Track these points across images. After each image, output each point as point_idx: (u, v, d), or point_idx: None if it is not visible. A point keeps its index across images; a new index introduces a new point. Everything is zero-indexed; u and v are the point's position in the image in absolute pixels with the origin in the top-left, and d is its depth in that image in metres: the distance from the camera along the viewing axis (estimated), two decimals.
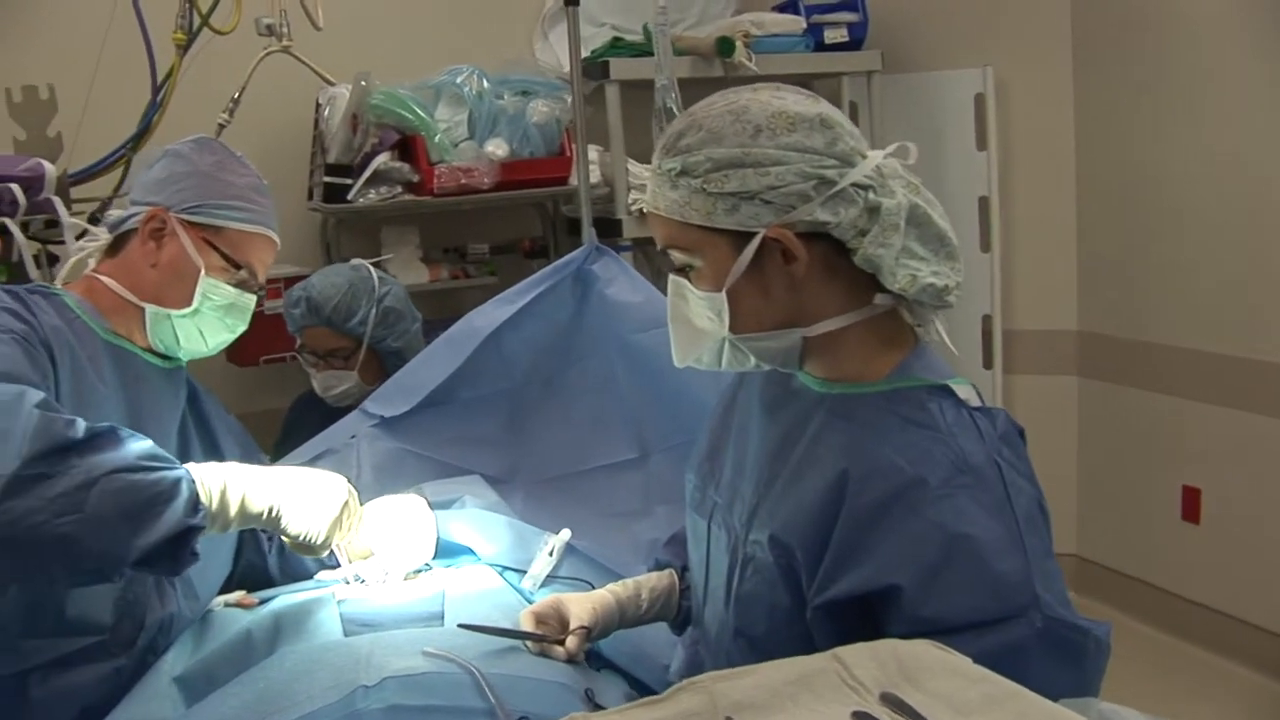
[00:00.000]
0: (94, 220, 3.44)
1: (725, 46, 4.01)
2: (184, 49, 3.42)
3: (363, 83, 3.62)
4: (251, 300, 2.04)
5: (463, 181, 3.69)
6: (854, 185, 1.43)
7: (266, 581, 2.14)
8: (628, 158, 3.98)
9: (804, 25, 4.29)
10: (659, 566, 1.92)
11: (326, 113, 3.79)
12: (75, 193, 3.31)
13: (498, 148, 3.75)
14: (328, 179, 3.67)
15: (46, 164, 3.17)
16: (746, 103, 1.46)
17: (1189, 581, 4.11)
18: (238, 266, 1.99)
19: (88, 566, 1.55)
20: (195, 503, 1.60)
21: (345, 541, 1.88)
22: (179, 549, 1.58)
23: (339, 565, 2.05)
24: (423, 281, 3.95)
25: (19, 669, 1.70)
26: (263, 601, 2.00)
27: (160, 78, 3.45)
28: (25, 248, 3.06)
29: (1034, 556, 1.35)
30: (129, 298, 1.95)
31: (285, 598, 1.97)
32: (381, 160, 3.67)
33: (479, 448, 2.45)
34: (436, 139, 3.70)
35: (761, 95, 1.48)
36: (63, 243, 3.21)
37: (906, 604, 1.32)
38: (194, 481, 1.62)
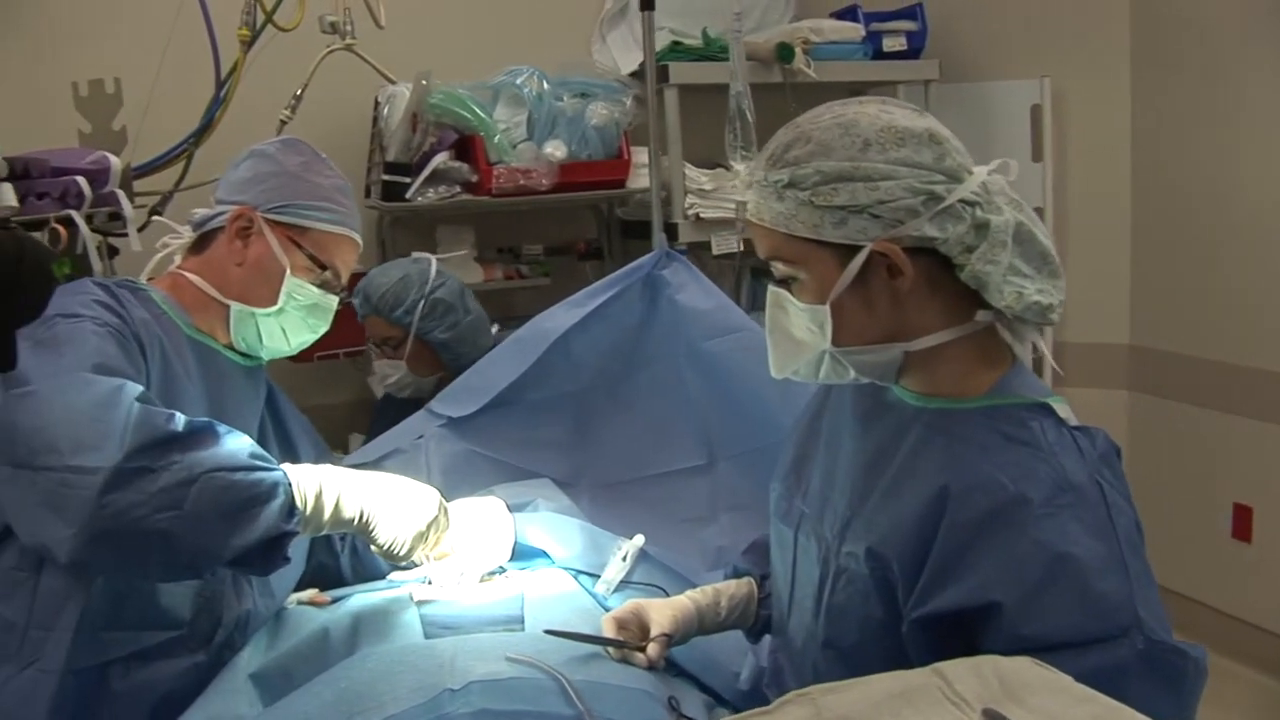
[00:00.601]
0: (155, 213, 3.46)
1: (785, 53, 4.00)
2: (248, 45, 3.44)
3: (423, 82, 3.63)
4: (334, 301, 2.04)
5: (521, 182, 3.69)
6: (961, 201, 1.43)
7: (337, 581, 2.15)
8: (685, 162, 3.98)
9: (863, 33, 4.28)
10: (737, 574, 1.92)
11: (386, 111, 3.79)
12: (137, 186, 3.32)
13: (556, 149, 3.74)
14: (386, 177, 3.68)
15: (112, 157, 3.19)
16: (855, 116, 1.46)
17: (1240, 600, 4.07)
18: (323, 267, 2.00)
19: (183, 563, 1.58)
20: (291, 506, 1.63)
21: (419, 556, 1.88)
22: (273, 551, 1.61)
23: (413, 566, 2.05)
24: (477, 281, 3.94)
25: (101, 660, 1.71)
26: (335, 600, 2.01)
27: (224, 73, 3.46)
28: (90, 240, 3.07)
29: (1135, 577, 1.34)
30: (214, 295, 1.96)
31: (361, 597, 1.97)
32: (440, 160, 3.67)
33: (545, 450, 2.45)
34: (496, 139, 3.70)
35: (869, 108, 1.48)
36: (124, 235, 3.23)
37: (1007, 621, 1.32)
38: (290, 484, 1.64)
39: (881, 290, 1.46)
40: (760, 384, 2.30)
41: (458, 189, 3.73)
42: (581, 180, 3.85)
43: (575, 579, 2.06)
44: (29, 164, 3.03)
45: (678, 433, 2.46)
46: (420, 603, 1.90)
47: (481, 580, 2.00)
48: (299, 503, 1.67)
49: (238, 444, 1.64)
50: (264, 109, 3.51)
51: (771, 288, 1.56)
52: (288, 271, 1.96)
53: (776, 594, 1.78)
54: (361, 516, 1.77)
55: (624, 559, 2.04)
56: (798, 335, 1.54)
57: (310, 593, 2.04)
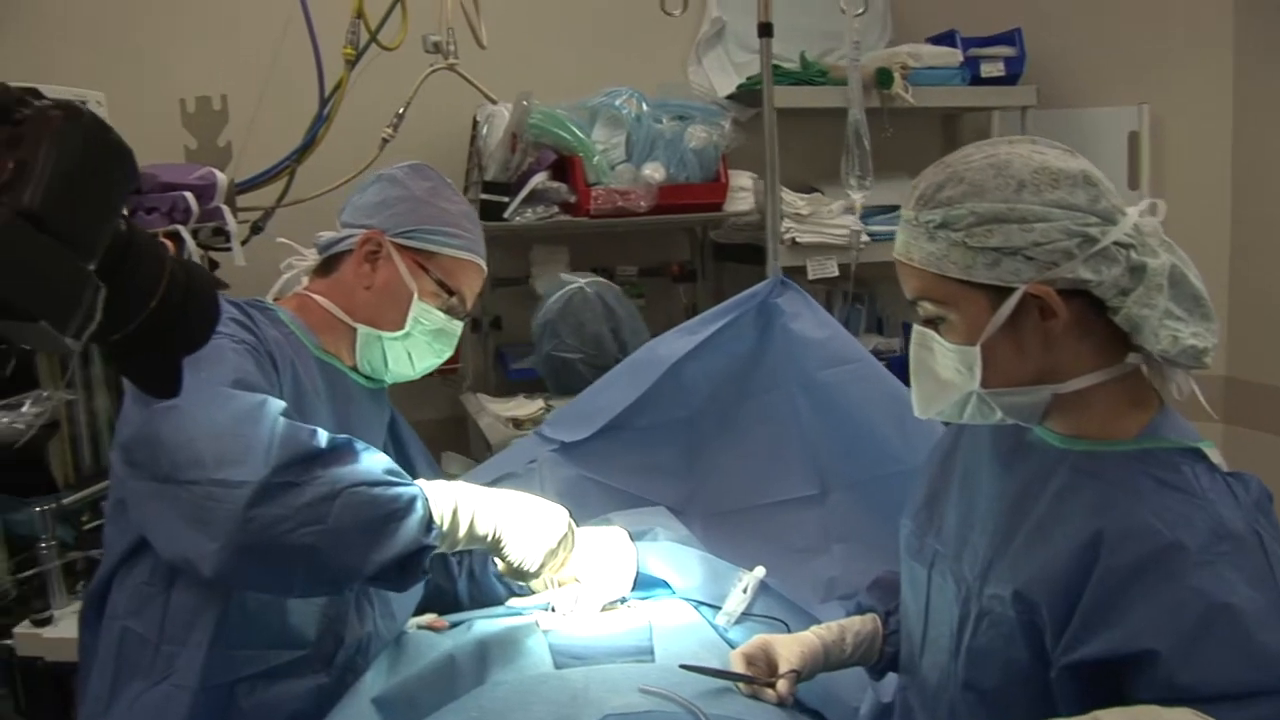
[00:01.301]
0: (256, 229, 3.51)
1: (884, 78, 3.99)
2: (352, 64, 3.47)
3: (524, 102, 3.64)
4: (459, 327, 2.06)
5: (619, 204, 3.70)
6: (1115, 243, 1.42)
7: (454, 605, 2.15)
8: (781, 186, 3.97)
9: (961, 58, 4.26)
10: (861, 610, 1.91)
11: (485, 130, 3.81)
12: (239, 201, 3.37)
13: (655, 171, 3.74)
14: (485, 196, 3.69)
15: (219, 173, 3.24)
16: (1007, 156, 1.45)
17: None
18: (450, 292, 2.01)
19: (326, 578, 1.61)
20: (429, 521, 1.65)
21: (545, 577, 1.89)
22: (411, 566, 1.63)
23: (531, 593, 2.06)
24: None
25: (231, 678, 1.73)
26: (454, 625, 2.02)
27: (328, 91, 3.50)
28: (196, 256, 3.12)
29: None
30: (342, 317, 1.98)
31: (484, 624, 1.97)
32: (539, 180, 3.68)
33: (656, 477, 2.45)
34: (594, 160, 3.71)
35: (1020, 149, 1.47)
36: (228, 249, 3.27)
37: (1162, 670, 1.30)
38: (427, 500, 1.66)
39: (1033, 332, 1.45)
40: (875, 415, 2.31)
41: (555, 209, 3.74)
42: (679, 203, 3.84)
43: (696, 610, 2.05)
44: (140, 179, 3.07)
45: (789, 462, 2.45)
46: (547, 631, 1.90)
47: (604, 609, 2.00)
48: (437, 518, 1.69)
49: (376, 460, 1.67)
50: (364, 127, 3.54)
51: (917, 327, 1.56)
52: (415, 296, 1.98)
53: (907, 632, 1.77)
54: (494, 533, 1.79)
55: (744, 591, 2.03)
56: (944, 375, 1.53)
57: (429, 617, 2.05)
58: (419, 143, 3.67)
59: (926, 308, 1.53)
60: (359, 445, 1.68)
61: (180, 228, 3.09)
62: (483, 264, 2.08)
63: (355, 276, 2.00)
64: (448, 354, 2.09)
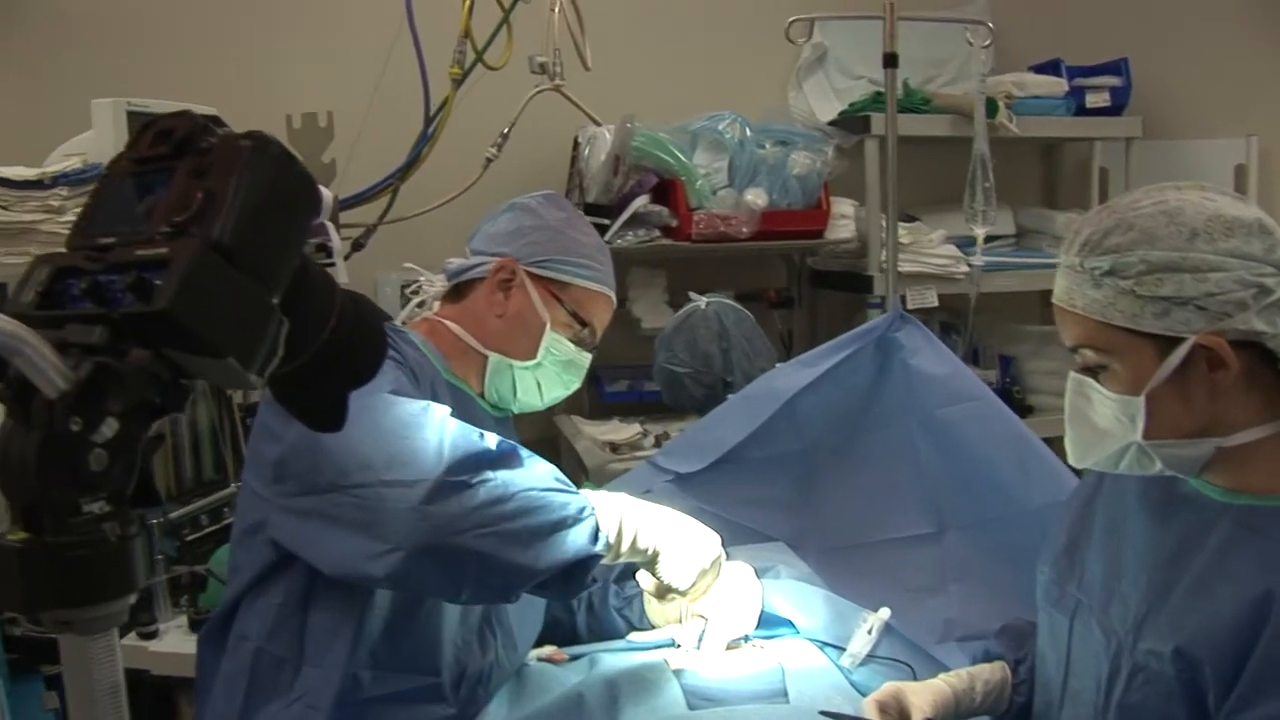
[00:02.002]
0: (358, 246, 3.51)
1: (989, 108, 3.92)
2: (458, 83, 3.47)
3: (627, 125, 3.62)
4: (588, 359, 2.05)
5: (721, 229, 3.66)
6: None
7: (571, 638, 2.13)
8: (882, 214, 3.92)
9: (1066, 88, 4.19)
10: (989, 657, 1.86)
11: (586, 152, 3.80)
12: (341, 218, 3.37)
13: (758, 197, 3.71)
14: (587, 218, 3.67)
15: (325, 190, 3.23)
16: (1179, 203, 1.41)
17: None
18: (583, 324, 1.99)
19: (495, 583, 1.59)
20: (597, 531, 1.63)
21: (688, 600, 1.86)
22: (578, 575, 1.62)
23: (652, 627, 2.03)
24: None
25: (361, 698, 1.71)
26: (574, 658, 1.99)
27: (433, 109, 3.50)
28: None
29: None
30: (473, 345, 1.97)
31: (611, 660, 1.94)
32: (640, 203, 3.66)
33: (770, 510, 2.41)
34: (697, 185, 3.68)
35: (1190, 195, 1.43)
36: (331, 265, 3.27)
37: None
38: (594, 510, 1.64)
39: (1199, 383, 1.41)
40: (995, 455, 2.26)
41: (657, 233, 3.72)
42: (780, 229, 3.81)
43: (822, 650, 2.01)
44: None
45: (905, 499, 2.40)
46: (678, 671, 1.86)
47: (728, 647, 1.96)
48: (604, 529, 1.67)
49: (544, 467, 1.67)
50: (467, 147, 3.54)
51: (1074, 375, 1.51)
52: (548, 326, 1.97)
53: (1044, 682, 1.72)
54: (654, 548, 1.77)
55: (869, 632, 1.99)
56: (1102, 425, 1.48)
57: (549, 649, 2.03)
58: (520, 163, 3.67)
59: (1087, 355, 1.48)
60: (524, 452, 1.67)
61: None
62: (614, 297, 2.07)
63: (488, 304, 1.98)
64: (576, 386, 2.07)
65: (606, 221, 3.67)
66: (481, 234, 2.06)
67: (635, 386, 4.01)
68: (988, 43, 3.39)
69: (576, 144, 3.94)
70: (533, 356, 1.98)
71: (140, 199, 0.93)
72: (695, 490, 2.37)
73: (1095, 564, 1.63)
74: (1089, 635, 1.59)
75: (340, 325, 0.99)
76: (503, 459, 1.62)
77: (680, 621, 1.99)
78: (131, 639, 2.40)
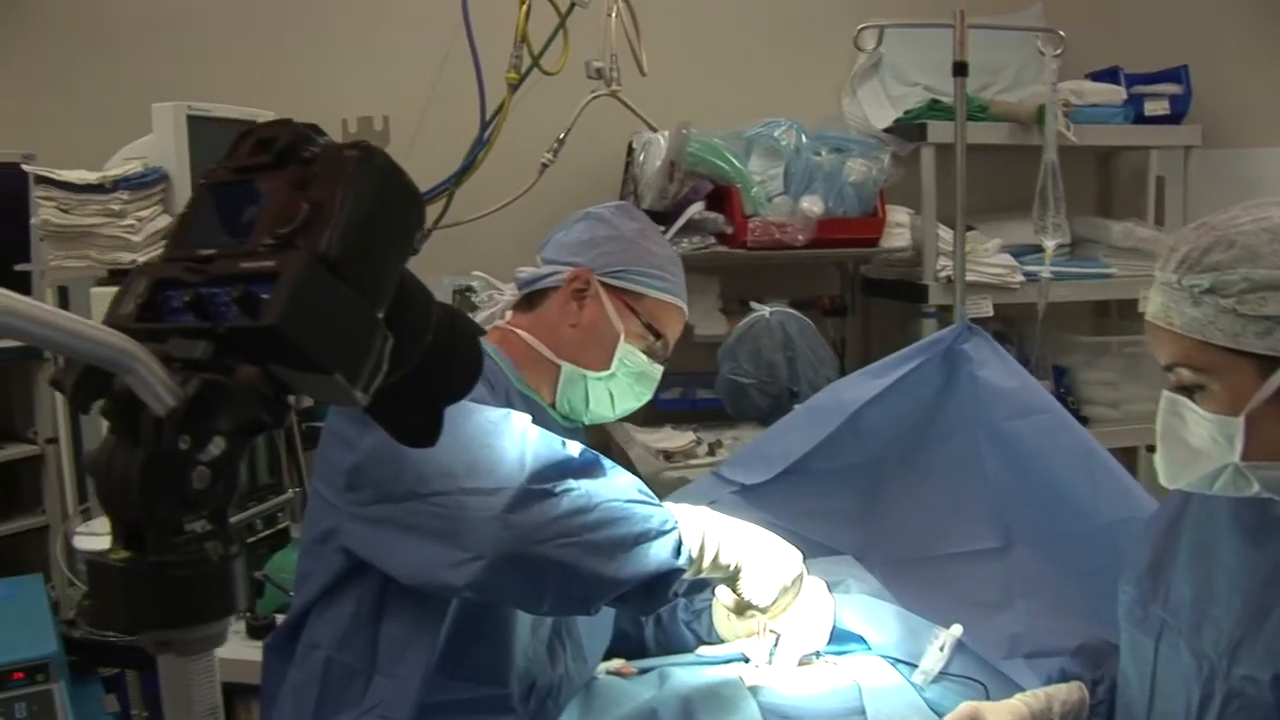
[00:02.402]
0: (413, 251, 3.49)
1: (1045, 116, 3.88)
2: (514, 88, 3.45)
3: (683, 131, 3.59)
4: (659, 371, 2.02)
5: (777, 236, 3.63)
6: None
7: (639, 651, 2.11)
8: (938, 223, 3.89)
9: (1124, 96, 4.14)
10: (1065, 677, 1.83)
11: (641, 158, 3.77)
12: None
13: (814, 205, 3.67)
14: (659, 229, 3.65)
15: None
16: None
17: None
18: (656, 335, 1.97)
19: (576, 595, 1.57)
20: (680, 544, 1.61)
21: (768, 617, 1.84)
22: (661, 588, 1.60)
23: (721, 641, 2.01)
24: (720, 333, 3.87)
25: (435, 712, 1.69)
26: (642, 671, 1.97)
27: (489, 114, 3.48)
28: None
29: None
30: (546, 355, 1.95)
31: (681, 674, 1.92)
32: (695, 210, 3.64)
33: (834, 522, 2.38)
34: (753, 192, 3.65)
35: None
36: None
37: None
38: (678, 523, 1.62)
39: None
40: (1064, 469, 2.22)
41: (711, 240, 3.69)
42: (836, 237, 3.77)
43: (894, 667, 1.98)
44: None
45: (972, 513, 2.36)
46: (753, 688, 1.84)
47: (800, 663, 1.94)
48: (687, 543, 1.64)
49: (625, 478, 1.65)
50: (521, 152, 3.51)
51: (1167, 393, 1.48)
52: (621, 337, 1.95)
53: (1127, 704, 1.69)
54: (735, 564, 1.74)
55: (941, 649, 1.96)
56: (1197, 445, 1.45)
57: (617, 663, 2.01)
58: (575, 168, 3.65)
59: (1183, 374, 1.45)
60: (606, 462, 1.66)
61: None
62: (686, 309, 2.05)
63: (561, 314, 1.96)
64: (647, 398, 2.05)
65: (661, 228, 3.64)
66: (554, 243, 2.04)
67: (688, 394, 3.97)
68: (1059, 51, 3.34)
69: (631, 150, 3.92)
70: (606, 367, 1.96)
71: (240, 209, 0.91)
72: (761, 502, 2.34)
73: (1183, 585, 1.60)
74: (1177, 658, 1.56)
75: (436, 339, 0.97)
76: (585, 468, 1.61)
77: (751, 636, 1.96)
78: None
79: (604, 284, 1.97)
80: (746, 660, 1.97)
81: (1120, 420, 4.19)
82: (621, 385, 1.99)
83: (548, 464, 1.56)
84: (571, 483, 1.57)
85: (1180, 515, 1.67)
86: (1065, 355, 4.40)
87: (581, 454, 1.62)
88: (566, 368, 1.96)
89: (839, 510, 2.40)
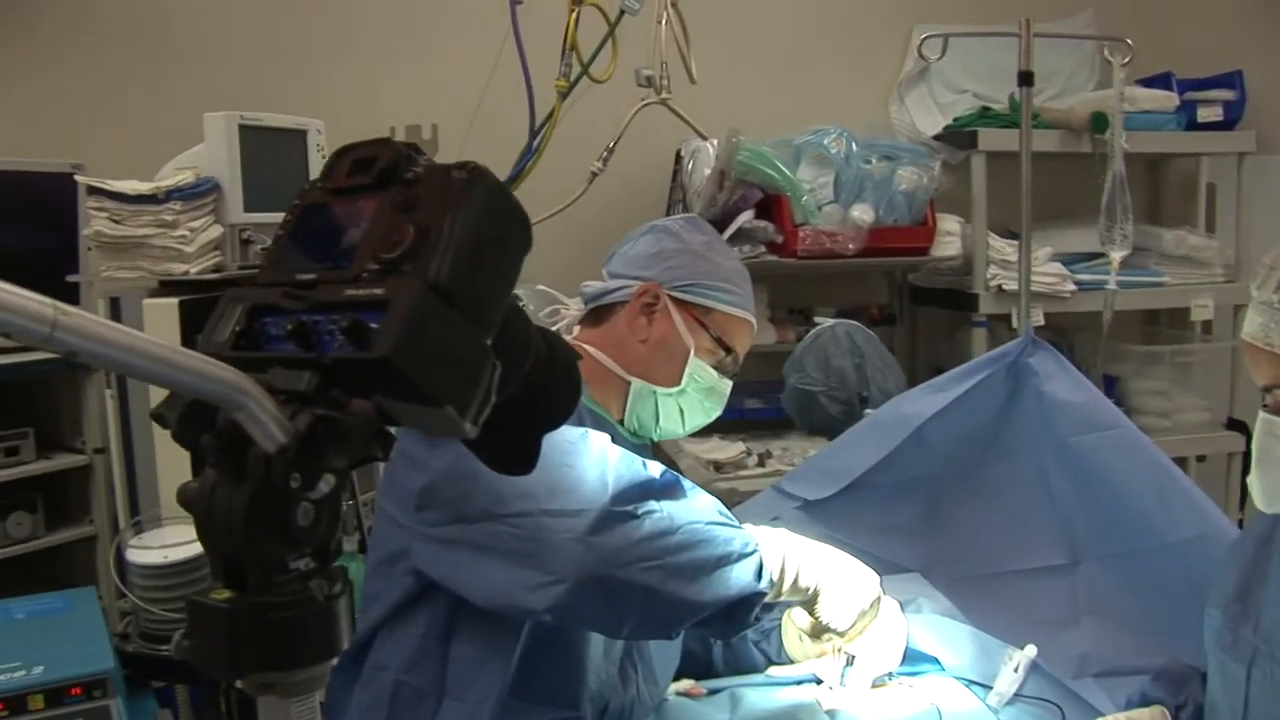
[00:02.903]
0: None
1: (1100, 123, 3.83)
2: (564, 95, 3.42)
3: (734, 139, 3.56)
4: (729, 386, 1.98)
5: (827, 245, 3.60)
6: None
7: (705, 671, 2.07)
8: (989, 232, 3.85)
9: (1177, 102, 4.08)
10: (1146, 701, 1.79)
11: (690, 166, 3.74)
12: None
13: (865, 213, 3.64)
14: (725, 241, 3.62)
15: None
16: None
17: None
18: (727, 350, 1.93)
19: (657, 619, 1.54)
20: (761, 567, 1.58)
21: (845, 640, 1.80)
22: (742, 612, 1.56)
23: (790, 662, 1.97)
24: (769, 342, 3.85)
25: None
26: (711, 691, 1.94)
27: (538, 123, 3.45)
28: None
29: None
30: (615, 370, 1.91)
31: (754, 697, 1.90)
32: (745, 218, 3.60)
33: (897, 537, 2.34)
34: (803, 200, 3.61)
35: None
36: None
37: None
38: (759, 545, 1.60)
39: None
40: (1134, 486, 2.18)
41: (761, 249, 3.65)
42: (886, 246, 3.74)
43: (969, 689, 1.94)
44: None
45: (1037, 529, 2.31)
46: (830, 711, 1.81)
47: (874, 685, 1.90)
48: (768, 565, 1.61)
49: (705, 499, 1.62)
50: (569, 160, 3.48)
51: (1265, 415, 1.44)
52: (692, 352, 1.91)
53: None
54: (814, 588, 1.71)
55: (1016, 670, 1.92)
56: None
57: (686, 683, 1.97)
58: (623, 177, 3.62)
59: None
60: (686, 482, 1.63)
61: None
62: (755, 322, 2.01)
63: (630, 329, 1.92)
64: (716, 414, 2.01)
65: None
66: (619, 256, 2.00)
67: (737, 404, 3.93)
68: (1126, 59, 3.29)
69: (679, 158, 3.88)
70: (677, 383, 1.92)
71: (340, 232, 0.88)
72: (824, 517, 2.30)
73: (1275, 609, 1.55)
74: (1271, 685, 1.52)
75: (536, 365, 0.93)
76: (666, 489, 1.58)
77: (821, 656, 1.93)
78: None
79: (673, 298, 1.93)
80: (818, 682, 1.93)
81: (1170, 430, 4.13)
82: (692, 401, 1.95)
83: (630, 485, 1.53)
84: (653, 504, 1.54)
85: (1270, 537, 1.63)
86: (1116, 364, 4.34)
87: (662, 474, 1.59)
88: (636, 384, 1.92)
89: (902, 525, 2.35)
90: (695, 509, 1.58)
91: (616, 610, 1.53)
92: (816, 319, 3.12)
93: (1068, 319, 4.03)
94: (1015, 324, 3.86)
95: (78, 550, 3.26)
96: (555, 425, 0.98)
